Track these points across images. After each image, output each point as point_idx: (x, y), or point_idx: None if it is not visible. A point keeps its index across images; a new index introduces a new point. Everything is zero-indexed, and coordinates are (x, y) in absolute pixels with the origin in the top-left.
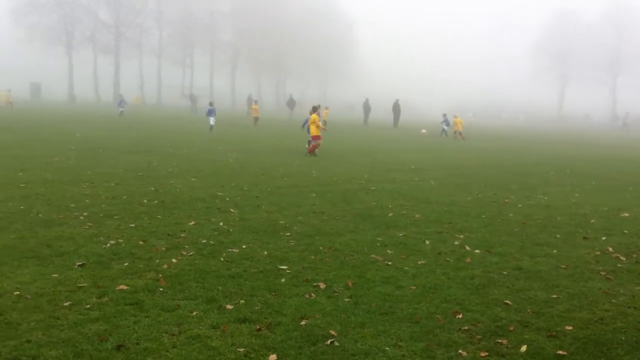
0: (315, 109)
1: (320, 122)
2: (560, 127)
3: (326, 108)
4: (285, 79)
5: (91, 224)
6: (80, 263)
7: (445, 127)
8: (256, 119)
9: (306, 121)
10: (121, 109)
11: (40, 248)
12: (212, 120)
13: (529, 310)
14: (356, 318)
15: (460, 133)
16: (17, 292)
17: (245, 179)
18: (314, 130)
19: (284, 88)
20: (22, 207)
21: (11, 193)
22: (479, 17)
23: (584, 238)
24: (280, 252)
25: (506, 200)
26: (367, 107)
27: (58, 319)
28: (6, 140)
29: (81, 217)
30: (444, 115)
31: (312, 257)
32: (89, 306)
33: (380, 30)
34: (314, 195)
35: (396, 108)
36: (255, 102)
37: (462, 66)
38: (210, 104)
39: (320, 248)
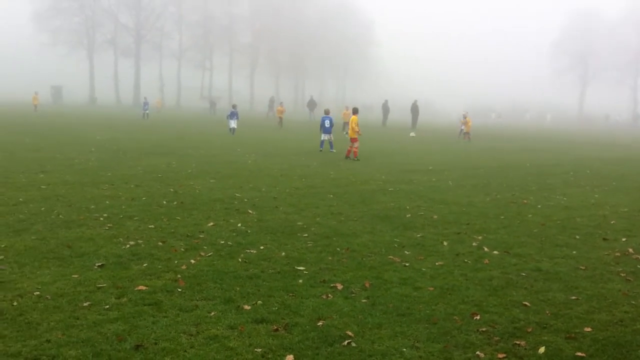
0: (355, 111)
1: (354, 125)
2: (580, 127)
3: (346, 109)
4: (303, 80)
5: (111, 225)
6: (99, 264)
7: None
8: (281, 120)
9: (324, 121)
10: (146, 111)
11: (61, 249)
12: (233, 123)
13: (547, 312)
14: (373, 319)
15: (467, 133)
16: (38, 293)
17: (264, 181)
18: (352, 133)
19: (303, 89)
20: (43, 209)
21: (32, 195)
22: (499, 16)
23: (604, 239)
24: (297, 253)
25: (525, 201)
26: (386, 109)
27: (77, 319)
28: (27, 142)
29: (101, 219)
30: (465, 114)
31: (330, 258)
32: (108, 306)
33: (399, 30)
34: (331, 196)
35: (415, 109)
36: (281, 103)
37: (481, 66)
38: (234, 106)
39: (338, 249)
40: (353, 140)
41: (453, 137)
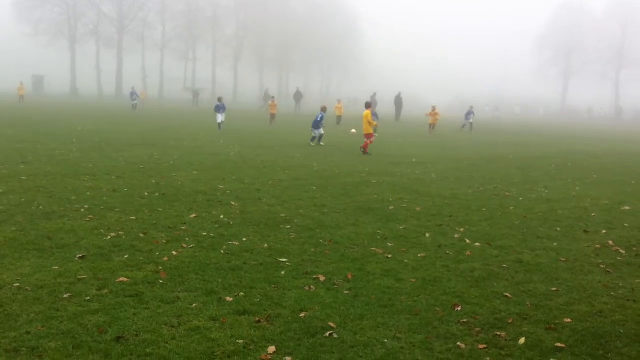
0: (368, 105)
1: (371, 119)
2: (563, 120)
3: (338, 102)
4: (288, 73)
5: (92, 217)
6: (80, 255)
7: (471, 120)
8: (273, 116)
9: (320, 118)
10: (135, 102)
11: (41, 240)
12: (220, 117)
13: (528, 303)
14: (355, 310)
15: (432, 125)
16: (18, 284)
17: (247, 172)
18: (367, 128)
19: (287, 82)
20: (23, 200)
21: (13, 186)
22: (483, 10)
23: (585, 231)
24: (280, 244)
25: (507, 194)
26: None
27: (58, 310)
28: (8, 133)
29: (82, 210)
30: (471, 107)
31: (313, 249)
32: (89, 298)
33: (385, 25)
34: (315, 188)
35: (398, 101)
36: (273, 98)
37: (468, 60)
38: (219, 99)
39: (321, 241)
40: (370, 135)
41: (439, 129)
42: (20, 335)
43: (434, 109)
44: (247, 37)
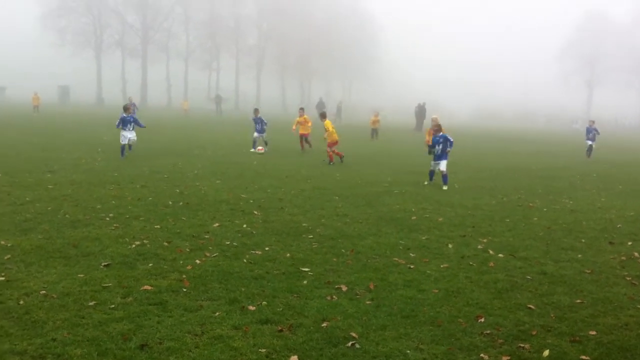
0: (324, 115)
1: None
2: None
3: (375, 115)
4: (310, 81)
5: (117, 225)
6: (105, 263)
7: (592, 142)
8: (305, 138)
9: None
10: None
11: (67, 248)
12: (259, 136)
13: (552, 315)
14: (377, 320)
15: (374, 130)
16: (44, 292)
17: (269, 182)
18: (332, 136)
19: (309, 90)
20: (49, 208)
21: (39, 194)
22: (506, 20)
23: (610, 243)
24: (302, 254)
25: (531, 205)
26: (421, 112)
27: (83, 318)
28: (34, 142)
29: (107, 218)
30: (592, 123)
31: (335, 259)
32: (113, 306)
33: (407, 33)
34: (337, 198)
35: (420, 111)
36: (302, 109)
37: (490, 69)
38: (256, 111)
39: (343, 251)
40: (333, 144)
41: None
42: (46, 342)
43: (376, 114)
44: (268, 47)
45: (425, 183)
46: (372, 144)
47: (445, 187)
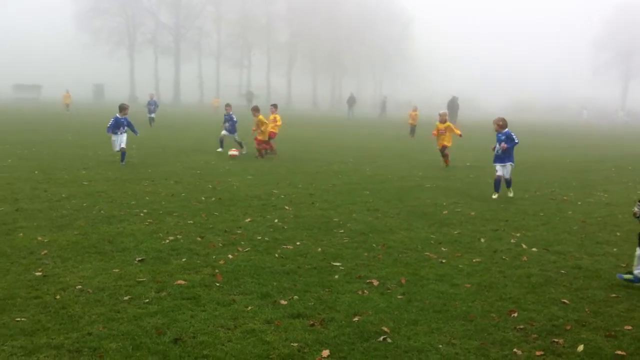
0: (257, 109)
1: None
2: (623, 123)
3: (414, 109)
4: (341, 77)
5: (151, 221)
6: (140, 258)
7: None
8: (413, 128)
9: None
10: (152, 115)
11: (102, 244)
12: (228, 134)
13: (587, 310)
14: (409, 315)
15: (414, 129)
16: (80, 286)
17: (300, 177)
18: (265, 132)
19: (340, 87)
20: (85, 204)
21: (75, 191)
22: (538, 13)
23: None
24: (333, 249)
25: (565, 198)
26: (454, 106)
27: (118, 312)
28: (70, 140)
29: (141, 214)
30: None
31: (366, 254)
32: (147, 300)
33: (438, 28)
34: (367, 192)
35: (453, 105)
36: (274, 105)
37: (522, 64)
38: (227, 106)
39: (374, 245)
40: (264, 141)
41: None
42: (82, 336)
43: (415, 109)
44: (299, 44)
45: (494, 197)
46: (406, 141)
47: (510, 194)
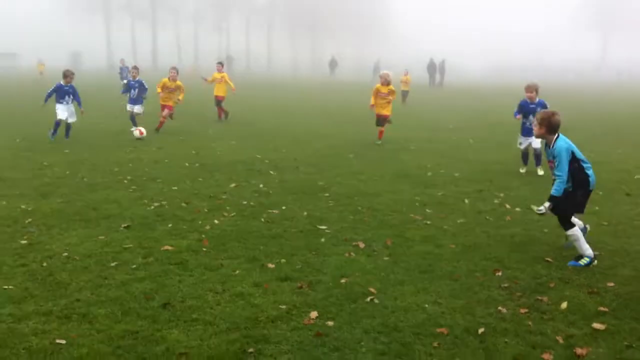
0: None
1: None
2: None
3: (405, 73)
4: (321, 41)
5: (135, 187)
6: (125, 225)
7: None
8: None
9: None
10: (125, 81)
11: (87, 211)
12: (134, 107)
13: (570, 267)
14: (395, 276)
15: (407, 94)
16: (66, 254)
17: (283, 142)
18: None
19: (321, 50)
20: (67, 172)
21: (57, 159)
22: None
23: (627, 194)
24: (319, 212)
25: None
26: (437, 69)
27: (106, 278)
28: (50, 108)
29: (125, 181)
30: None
31: (351, 217)
32: (135, 266)
33: None
34: (352, 156)
35: (439, 67)
36: (220, 63)
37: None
38: (135, 70)
39: (359, 208)
40: (169, 108)
41: (475, 94)
42: (71, 302)
43: (406, 73)
44: (279, 6)
45: (522, 171)
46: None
47: (540, 172)
